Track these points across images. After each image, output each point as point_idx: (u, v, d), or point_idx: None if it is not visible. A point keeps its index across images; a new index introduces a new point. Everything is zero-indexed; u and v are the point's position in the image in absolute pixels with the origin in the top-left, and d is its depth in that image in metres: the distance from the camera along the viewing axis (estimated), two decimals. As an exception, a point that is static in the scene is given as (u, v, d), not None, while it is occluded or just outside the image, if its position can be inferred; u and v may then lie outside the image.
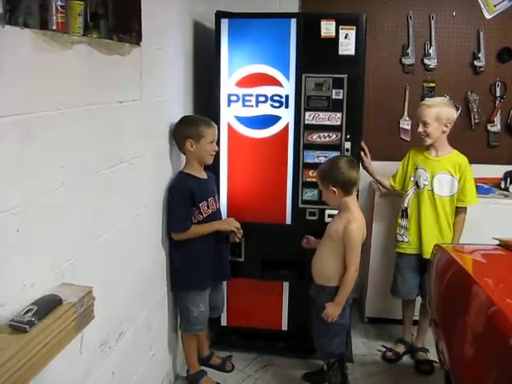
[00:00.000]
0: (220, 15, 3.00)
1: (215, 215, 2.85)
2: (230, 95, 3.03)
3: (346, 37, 2.90)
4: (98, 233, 1.95)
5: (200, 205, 2.74)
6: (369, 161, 3.22)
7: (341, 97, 2.95)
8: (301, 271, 3.08)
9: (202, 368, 3.05)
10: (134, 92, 2.26)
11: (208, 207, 2.78)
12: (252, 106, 3.02)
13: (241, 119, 3.05)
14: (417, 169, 3.14)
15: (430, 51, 3.79)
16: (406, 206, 3.20)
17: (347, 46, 2.91)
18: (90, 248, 1.90)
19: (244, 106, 3.03)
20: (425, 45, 3.80)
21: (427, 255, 3.07)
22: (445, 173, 3.07)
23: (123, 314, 2.26)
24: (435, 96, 3.78)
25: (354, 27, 2.90)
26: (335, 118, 2.97)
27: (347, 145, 2.99)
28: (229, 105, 3.04)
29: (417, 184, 3.14)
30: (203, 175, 2.83)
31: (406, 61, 3.81)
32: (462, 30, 3.78)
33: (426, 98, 3.36)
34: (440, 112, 3.04)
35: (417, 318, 3.39)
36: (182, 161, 2.84)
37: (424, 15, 3.77)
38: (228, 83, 3.03)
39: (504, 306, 1.70)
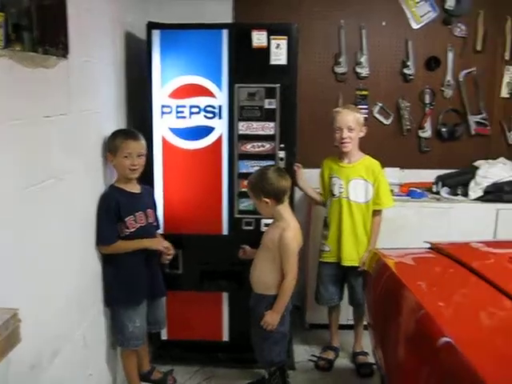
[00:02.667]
0: (151, 26, 2.98)
1: (145, 230, 2.78)
2: (163, 106, 3.01)
3: (277, 47, 2.93)
4: (24, 250, 1.89)
5: (126, 219, 2.68)
6: (301, 176, 3.24)
7: (274, 106, 2.98)
8: (239, 281, 3.07)
9: (143, 384, 3.00)
10: (61, 106, 2.21)
11: (136, 222, 2.72)
12: (185, 117, 3.01)
13: (174, 131, 3.03)
14: (331, 178, 3.20)
15: (362, 60, 3.87)
16: (325, 215, 3.27)
17: (279, 55, 2.94)
18: (16, 267, 1.84)
19: (177, 117, 3.02)
20: (356, 54, 3.88)
21: (346, 262, 3.17)
22: (358, 178, 3.13)
23: (56, 333, 2.18)
24: (369, 104, 3.89)
25: (286, 37, 2.93)
26: (269, 128, 2.99)
27: (281, 154, 3.01)
28: (162, 116, 3.02)
29: (332, 193, 3.19)
30: (135, 189, 2.79)
31: (339, 70, 3.88)
32: (391, 39, 3.89)
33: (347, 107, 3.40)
34: (359, 117, 3.13)
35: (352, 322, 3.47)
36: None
37: (355, 25, 3.86)
38: (161, 94, 3.00)
39: (432, 309, 1.74)
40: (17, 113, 1.82)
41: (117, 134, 2.73)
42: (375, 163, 3.15)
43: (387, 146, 3.86)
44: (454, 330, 1.56)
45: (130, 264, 2.73)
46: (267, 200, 2.63)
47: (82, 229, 2.47)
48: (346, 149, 3.11)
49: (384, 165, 3.30)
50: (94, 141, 2.63)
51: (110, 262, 2.72)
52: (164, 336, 3.32)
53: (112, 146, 2.69)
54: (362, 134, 3.14)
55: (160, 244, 2.82)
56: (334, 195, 3.18)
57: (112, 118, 2.89)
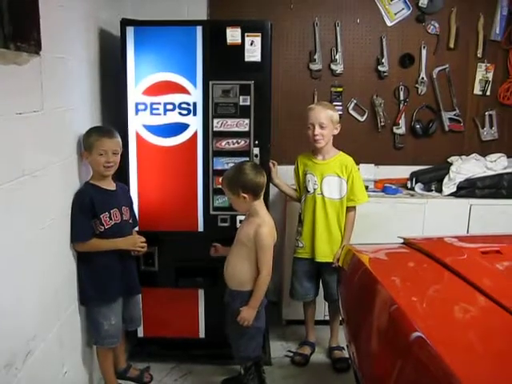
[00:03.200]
0: (125, 23, 2.96)
1: (120, 227, 2.77)
2: (137, 104, 3.00)
3: (251, 43, 2.93)
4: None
5: (101, 216, 2.67)
6: (276, 173, 3.26)
7: (248, 103, 2.98)
8: (215, 278, 3.07)
9: (120, 382, 2.99)
10: (34, 102, 2.18)
11: (111, 219, 2.71)
12: (160, 114, 3.00)
13: (149, 128, 3.02)
14: (306, 174, 3.21)
15: (337, 57, 3.89)
16: (299, 211, 3.29)
17: (253, 52, 2.94)
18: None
19: (152, 114, 3.00)
20: (331, 51, 3.89)
21: (319, 258, 3.19)
22: (332, 175, 3.14)
23: (31, 332, 2.17)
24: (343, 100, 3.91)
25: (260, 34, 2.94)
26: (243, 125, 3.00)
27: (256, 150, 3.02)
28: (136, 113, 3.01)
29: (306, 189, 3.21)
30: (110, 186, 2.78)
31: (314, 66, 3.90)
32: (366, 36, 3.92)
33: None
34: (333, 114, 3.13)
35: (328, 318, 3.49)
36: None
37: (330, 22, 3.88)
38: (135, 92, 2.99)
39: (404, 304, 1.75)
40: (-12, 110, 1.80)
41: (92, 132, 2.71)
42: (349, 159, 3.16)
43: (362, 143, 3.90)
44: (426, 325, 1.57)
45: (103, 261, 2.71)
46: (245, 195, 2.63)
47: (56, 226, 2.45)
48: (318, 145, 3.12)
49: (359, 161, 3.34)
50: (68, 138, 2.61)
51: (83, 260, 2.70)
52: (140, 333, 3.31)
53: (87, 143, 2.68)
54: (336, 132, 3.15)
55: (135, 245, 2.81)
56: (308, 191, 3.19)
57: (86, 114, 2.87)
